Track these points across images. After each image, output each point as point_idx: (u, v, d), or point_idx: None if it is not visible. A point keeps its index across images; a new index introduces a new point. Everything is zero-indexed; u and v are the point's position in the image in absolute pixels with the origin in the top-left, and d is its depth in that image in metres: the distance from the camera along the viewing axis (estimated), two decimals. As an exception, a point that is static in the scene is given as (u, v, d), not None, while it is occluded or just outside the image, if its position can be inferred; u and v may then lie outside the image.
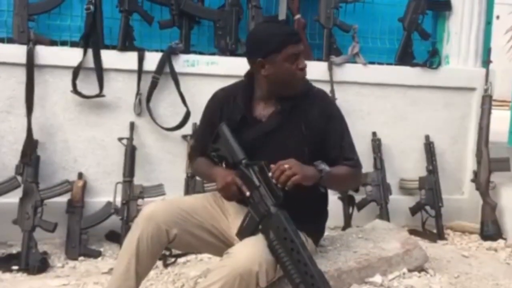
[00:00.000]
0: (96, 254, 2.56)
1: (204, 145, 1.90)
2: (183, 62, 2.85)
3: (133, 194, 2.64)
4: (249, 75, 1.88)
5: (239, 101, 1.85)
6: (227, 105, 1.88)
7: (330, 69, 2.99)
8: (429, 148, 3.12)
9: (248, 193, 1.69)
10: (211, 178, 1.87)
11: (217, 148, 1.82)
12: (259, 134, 1.80)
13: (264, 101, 1.84)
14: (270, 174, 1.65)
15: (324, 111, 1.83)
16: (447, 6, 3.25)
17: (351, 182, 1.95)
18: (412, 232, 2.86)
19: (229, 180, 1.71)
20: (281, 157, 1.68)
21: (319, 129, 1.80)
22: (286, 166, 1.63)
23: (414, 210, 3.05)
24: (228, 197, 1.76)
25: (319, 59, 3.06)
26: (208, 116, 1.94)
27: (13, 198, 2.50)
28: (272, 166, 1.66)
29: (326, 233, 2.07)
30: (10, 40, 2.72)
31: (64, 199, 2.61)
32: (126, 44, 2.78)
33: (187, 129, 2.82)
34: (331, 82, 2.95)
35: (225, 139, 1.78)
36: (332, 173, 1.72)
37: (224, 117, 1.85)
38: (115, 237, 2.65)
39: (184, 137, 2.84)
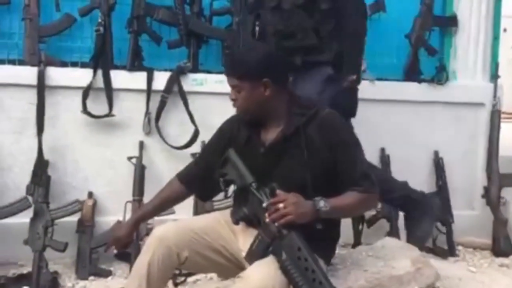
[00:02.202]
0: (107, 274, 2.56)
1: (190, 170, 2.00)
2: (191, 81, 2.88)
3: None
4: None
5: (244, 126, 1.86)
6: (237, 129, 1.89)
7: (337, 86, 2.99)
8: (439, 164, 3.12)
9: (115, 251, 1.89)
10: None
11: (225, 173, 1.81)
12: (260, 158, 1.79)
13: (267, 125, 1.84)
14: (264, 204, 1.64)
15: (330, 139, 1.76)
16: (454, 22, 3.27)
17: (360, 209, 1.90)
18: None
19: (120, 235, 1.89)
20: (284, 184, 1.67)
21: (323, 157, 1.75)
22: (281, 205, 1.61)
23: (424, 227, 3.03)
24: (233, 221, 1.78)
25: (326, 76, 3.07)
26: (217, 137, 1.95)
27: (24, 218, 2.52)
28: (277, 192, 1.65)
29: (336, 250, 2.06)
30: (21, 62, 2.76)
31: (74, 218, 2.63)
32: (135, 64, 2.82)
33: (196, 148, 2.83)
34: (339, 99, 2.96)
35: (233, 163, 1.78)
36: (336, 205, 1.68)
37: (231, 143, 1.86)
38: (125, 257, 2.64)
39: (193, 155, 2.84)
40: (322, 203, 1.65)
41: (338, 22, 2.33)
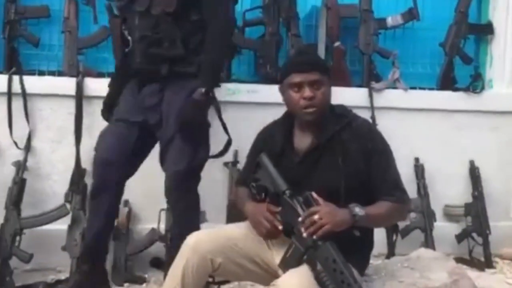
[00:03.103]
0: (141, 281, 2.60)
1: (246, 177, 1.93)
2: (224, 91, 2.90)
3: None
4: None
5: (279, 133, 1.87)
6: (271, 137, 1.90)
7: (370, 95, 2.99)
8: (475, 174, 3.06)
9: (280, 227, 1.70)
10: (244, 214, 1.88)
11: (257, 178, 1.81)
12: (295, 168, 1.79)
13: (302, 131, 1.84)
14: (300, 219, 1.64)
15: (365, 147, 1.76)
16: (489, 30, 3.22)
17: (393, 219, 1.89)
18: (459, 260, 2.78)
19: (258, 219, 1.74)
20: (318, 191, 1.67)
21: (358, 165, 1.75)
22: (316, 217, 1.61)
23: (460, 238, 2.98)
24: (260, 235, 1.77)
25: (359, 86, 3.06)
26: (252, 149, 1.96)
27: (62, 225, 2.58)
28: (314, 196, 1.65)
29: (370, 261, 2.05)
30: (60, 73, 2.85)
31: (110, 226, 2.68)
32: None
33: (229, 157, 2.85)
34: (372, 108, 2.96)
35: (265, 169, 1.79)
36: (370, 213, 1.67)
37: (266, 149, 1.87)
38: (159, 264, 2.69)
39: (226, 164, 2.88)
40: (357, 209, 1.65)
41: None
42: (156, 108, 2.25)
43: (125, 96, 2.34)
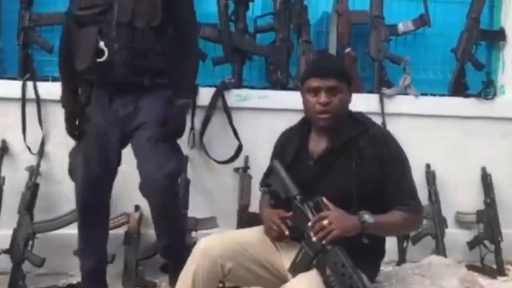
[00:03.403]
0: (151, 285, 2.61)
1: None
2: (235, 97, 2.93)
3: (187, 227, 2.69)
4: None
5: (296, 137, 1.88)
6: (287, 141, 1.92)
7: (381, 101, 2.99)
8: (486, 180, 3.04)
9: (287, 232, 1.72)
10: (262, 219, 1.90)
11: (269, 183, 1.84)
12: (309, 172, 1.80)
13: (318, 135, 1.86)
14: (309, 224, 1.65)
15: (380, 154, 1.76)
16: (502, 36, 3.21)
17: (405, 228, 1.88)
18: (471, 267, 2.76)
19: (268, 224, 1.77)
20: (330, 195, 1.68)
21: (372, 171, 1.75)
22: (325, 222, 1.62)
23: (472, 245, 2.96)
24: (271, 239, 1.79)
25: (370, 92, 3.06)
26: (272, 155, 1.98)
27: (75, 229, 2.59)
28: (324, 201, 1.66)
29: (381, 268, 2.04)
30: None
31: (121, 231, 2.70)
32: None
33: (239, 162, 2.87)
34: (383, 114, 2.95)
35: (277, 174, 1.80)
36: (380, 221, 1.67)
37: (282, 153, 1.88)
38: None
39: (236, 170, 2.89)
40: (367, 216, 1.65)
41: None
42: (134, 116, 2.28)
43: (95, 108, 2.31)
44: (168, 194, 2.28)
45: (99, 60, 2.20)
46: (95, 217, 2.33)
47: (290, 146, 1.88)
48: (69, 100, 2.36)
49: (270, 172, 1.85)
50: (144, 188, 2.29)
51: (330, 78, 1.78)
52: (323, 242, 1.60)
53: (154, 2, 2.23)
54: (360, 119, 1.86)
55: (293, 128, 1.96)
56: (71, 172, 2.36)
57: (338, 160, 1.78)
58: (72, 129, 2.35)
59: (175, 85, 2.32)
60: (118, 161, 2.36)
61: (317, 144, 1.84)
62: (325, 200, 1.68)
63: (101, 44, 2.20)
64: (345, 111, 1.84)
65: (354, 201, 1.70)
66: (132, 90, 2.27)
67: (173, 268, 2.33)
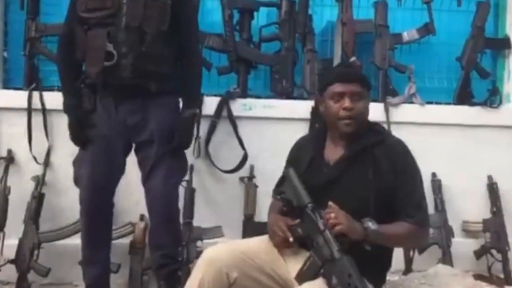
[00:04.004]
0: (157, 295, 2.60)
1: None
2: (240, 106, 2.93)
3: (192, 236, 2.68)
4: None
5: (311, 145, 1.88)
6: (302, 149, 1.92)
7: (386, 110, 2.99)
8: (493, 189, 3.02)
9: (291, 239, 1.72)
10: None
11: (282, 191, 1.83)
12: (325, 179, 1.80)
13: (334, 144, 1.86)
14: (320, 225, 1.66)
15: (396, 165, 1.76)
16: (507, 44, 3.20)
17: (408, 240, 1.85)
18: (478, 277, 2.73)
19: (273, 229, 1.77)
20: (345, 201, 1.67)
21: (388, 182, 1.75)
22: (332, 215, 1.63)
23: (479, 254, 2.93)
24: (274, 244, 1.79)
25: (375, 100, 3.06)
26: (286, 163, 1.98)
27: (79, 239, 2.59)
28: (329, 203, 1.66)
29: (387, 277, 2.03)
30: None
31: (127, 240, 2.69)
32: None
33: (245, 172, 2.86)
34: (388, 123, 2.95)
35: (290, 182, 1.80)
36: (382, 231, 1.67)
37: (297, 161, 1.88)
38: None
39: (242, 179, 2.88)
40: (370, 223, 1.65)
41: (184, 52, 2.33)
42: (142, 127, 2.27)
43: (100, 115, 2.28)
44: (172, 206, 2.31)
45: (107, 63, 2.19)
46: (100, 225, 2.34)
47: (305, 154, 1.88)
48: (73, 106, 2.32)
49: (283, 180, 1.84)
50: (148, 201, 2.32)
51: (354, 84, 1.79)
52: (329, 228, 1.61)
53: (163, 7, 2.24)
54: (378, 129, 1.87)
55: (308, 136, 1.97)
56: (76, 180, 2.35)
57: (353, 168, 1.78)
58: (78, 136, 2.32)
59: (181, 96, 2.34)
60: (122, 170, 2.37)
61: (333, 152, 1.84)
62: (331, 203, 1.67)
63: (110, 47, 2.19)
64: (367, 118, 1.85)
65: (371, 210, 1.69)
66: (139, 96, 2.26)
67: (171, 279, 2.35)
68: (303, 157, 1.88)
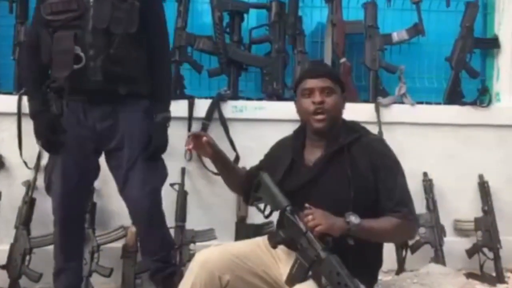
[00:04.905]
0: (150, 299, 2.59)
1: (252, 170, 2.00)
2: (231, 108, 2.93)
3: (185, 239, 2.68)
4: None
5: (290, 145, 1.89)
6: (282, 149, 1.93)
7: (377, 110, 2.99)
8: (484, 188, 3.04)
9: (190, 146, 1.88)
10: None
11: (259, 197, 1.82)
12: (304, 180, 1.80)
13: (312, 144, 1.86)
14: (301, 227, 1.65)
15: (374, 163, 1.76)
16: (495, 44, 3.23)
17: (395, 234, 1.81)
18: (470, 275, 2.75)
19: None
20: (325, 201, 1.68)
21: (367, 181, 1.75)
22: (310, 217, 1.62)
23: (470, 253, 2.95)
24: (271, 245, 1.77)
25: (366, 101, 3.07)
26: (265, 157, 2.01)
27: (71, 244, 2.59)
28: (306, 206, 1.66)
29: (380, 277, 2.03)
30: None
31: (119, 244, 2.68)
32: (177, 92, 2.89)
33: (237, 174, 2.86)
34: (379, 123, 2.96)
35: (266, 187, 1.78)
36: (366, 224, 1.66)
37: (275, 162, 1.88)
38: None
39: (234, 181, 2.87)
40: (352, 217, 1.64)
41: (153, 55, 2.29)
42: (112, 132, 2.23)
43: (70, 121, 2.21)
44: (152, 213, 2.28)
45: (76, 66, 2.12)
46: (74, 232, 2.32)
47: (285, 155, 1.88)
48: (42, 111, 2.23)
49: (259, 185, 1.82)
50: (129, 210, 2.31)
51: (323, 78, 1.80)
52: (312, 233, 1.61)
53: (131, 8, 2.18)
54: (354, 127, 1.86)
55: (287, 138, 1.96)
56: (48, 189, 2.31)
57: (332, 167, 1.78)
58: (49, 142, 2.23)
59: (152, 100, 2.29)
60: (97, 172, 2.34)
61: (312, 153, 1.84)
62: (307, 205, 1.67)
63: (78, 50, 2.13)
64: (340, 115, 1.85)
65: (350, 210, 1.68)
66: (108, 100, 2.21)
67: (168, 283, 2.33)
68: (283, 157, 1.88)
